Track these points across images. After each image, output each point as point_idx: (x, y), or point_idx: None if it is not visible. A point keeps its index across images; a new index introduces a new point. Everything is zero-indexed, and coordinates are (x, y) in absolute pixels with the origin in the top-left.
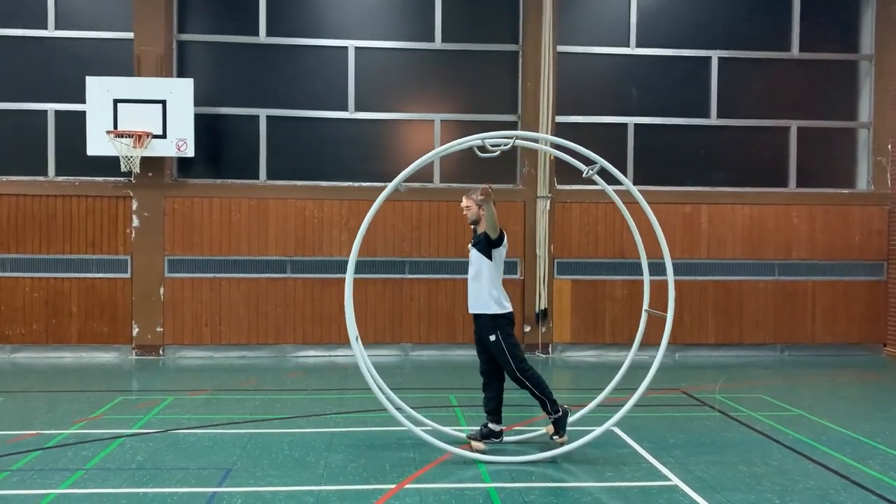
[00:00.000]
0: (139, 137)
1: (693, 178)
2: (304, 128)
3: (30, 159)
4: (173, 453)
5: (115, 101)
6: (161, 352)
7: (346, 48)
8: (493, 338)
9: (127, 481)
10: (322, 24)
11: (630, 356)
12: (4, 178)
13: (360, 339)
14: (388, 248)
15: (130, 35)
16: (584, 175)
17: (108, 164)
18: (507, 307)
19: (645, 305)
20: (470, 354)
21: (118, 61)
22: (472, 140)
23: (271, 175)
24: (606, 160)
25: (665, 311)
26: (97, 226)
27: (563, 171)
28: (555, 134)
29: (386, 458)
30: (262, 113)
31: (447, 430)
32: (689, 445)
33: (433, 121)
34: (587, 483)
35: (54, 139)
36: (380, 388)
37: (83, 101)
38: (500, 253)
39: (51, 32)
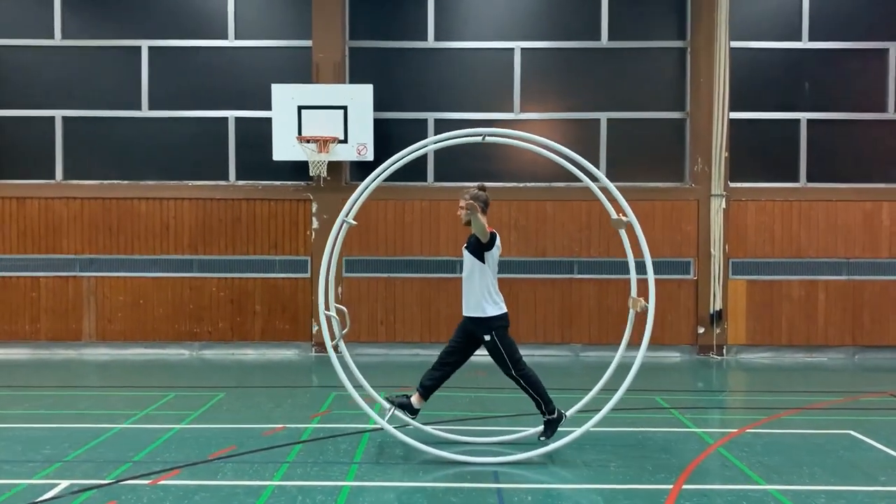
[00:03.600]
0: (324, 143)
1: (872, 175)
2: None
3: (213, 164)
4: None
5: (300, 108)
6: (339, 349)
7: (511, 49)
8: (487, 338)
9: (406, 475)
10: (488, 27)
11: (618, 356)
12: (191, 182)
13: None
14: (557, 248)
15: (308, 43)
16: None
17: (287, 169)
18: (502, 307)
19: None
20: (644, 356)
21: (294, 69)
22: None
23: (439, 178)
24: (778, 157)
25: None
26: (279, 228)
27: (736, 169)
28: (729, 131)
29: (638, 458)
30: (430, 116)
31: (428, 428)
32: None
33: (599, 119)
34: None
35: (234, 145)
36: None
37: (259, 107)
38: (493, 255)
39: (231, 42)
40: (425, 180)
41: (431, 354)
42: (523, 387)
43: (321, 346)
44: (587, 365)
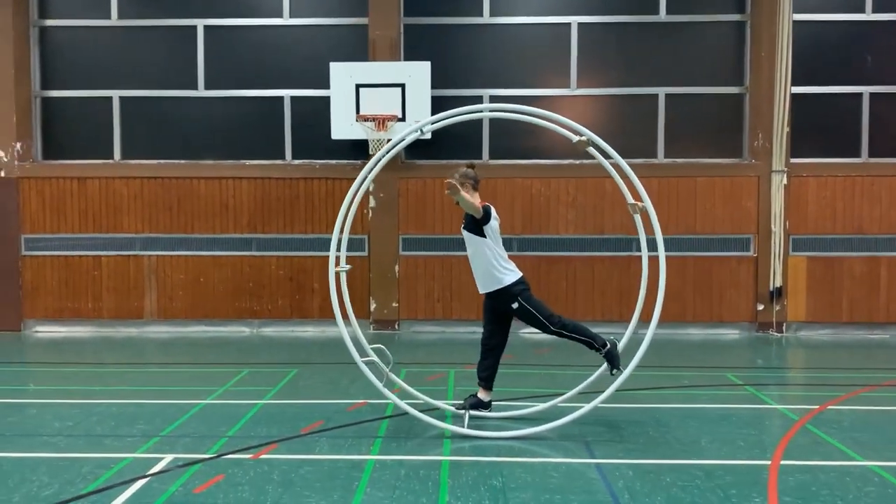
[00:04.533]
0: (382, 121)
1: None
2: (525, 106)
3: (269, 144)
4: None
5: (358, 86)
6: (396, 326)
7: (568, 24)
8: (515, 305)
9: (506, 451)
10: (544, 2)
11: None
12: (248, 162)
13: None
14: (615, 226)
15: (364, 20)
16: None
17: (343, 147)
18: (517, 272)
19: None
20: (703, 333)
21: (349, 47)
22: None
23: (494, 155)
24: (840, 131)
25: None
26: (336, 206)
27: (797, 144)
28: (791, 105)
29: (726, 434)
30: (486, 93)
31: (440, 403)
32: None
33: (657, 94)
34: None
35: (290, 124)
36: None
37: (314, 86)
38: (492, 227)
39: (286, 21)
40: (481, 157)
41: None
42: (567, 336)
43: (379, 322)
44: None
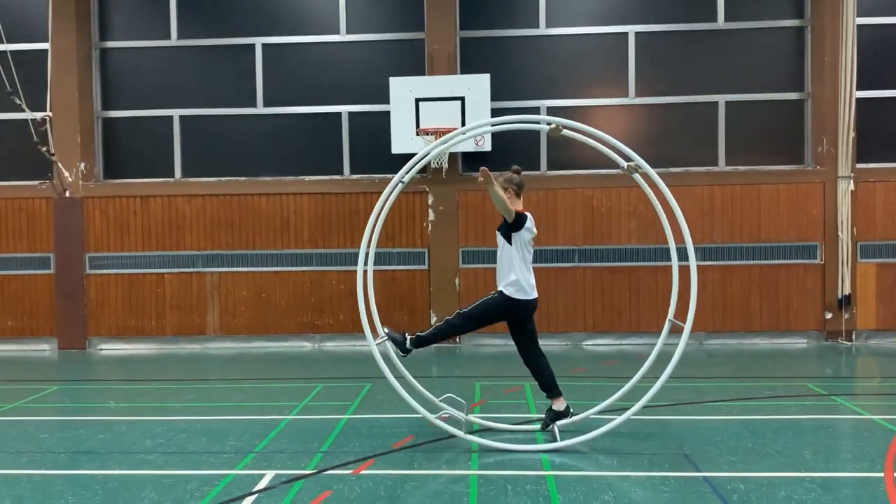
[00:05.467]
0: (441, 134)
1: None
2: (582, 116)
3: (328, 159)
4: (673, 440)
5: (417, 100)
6: (458, 339)
7: (625, 33)
8: (494, 294)
9: (607, 465)
10: (600, 11)
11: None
12: (308, 177)
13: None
14: (678, 235)
15: (420, 35)
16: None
17: (400, 161)
18: (528, 295)
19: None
20: (770, 342)
21: (405, 61)
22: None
23: (552, 166)
24: None
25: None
26: (396, 220)
27: (864, 150)
28: (856, 109)
29: (828, 445)
30: (543, 104)
31: (474, 419)
32: None
33: (717, 102)
34: None
35: (348, 139)
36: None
37: (371, 101)
38: (521, 237)
39: (342, 37)
40: (539, 169)
41: (550, 345)
42: (444, 321)
43: None
44: (710, 353)
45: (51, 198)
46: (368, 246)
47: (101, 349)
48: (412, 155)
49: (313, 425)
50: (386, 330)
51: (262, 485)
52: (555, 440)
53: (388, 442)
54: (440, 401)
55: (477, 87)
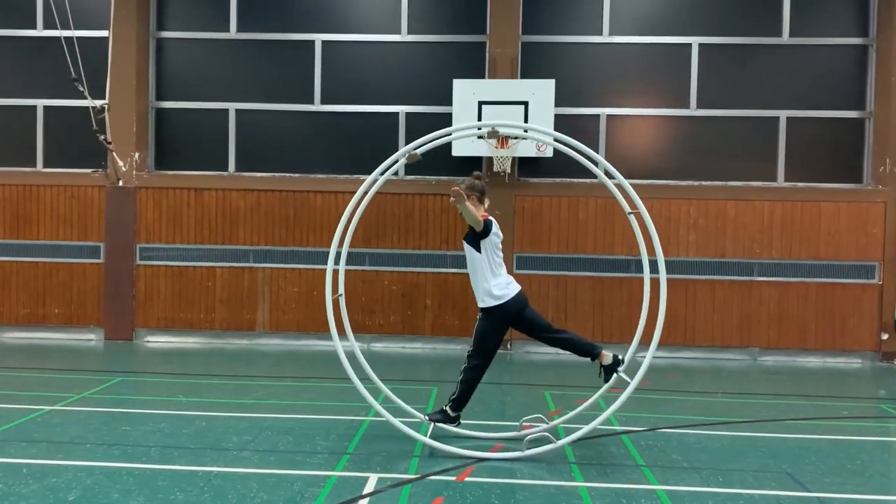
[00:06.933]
0: (504, 139)
1: None
2: (642, 125)
3: (383, 159)
4: (731, 457)
5: (480, 103)
6: (509, 346)
7: (689, 45)
8: (479, 316)
9: (715, 480)
10: (664, 21)
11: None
12: (363, 176)
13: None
14: (736, 249)
15: (482, 38)
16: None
17: (456, 164)
18: (504, 297)
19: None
20: (822, 361)
21: (466, 64)
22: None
23: (610, 175)
24: None
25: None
26: (451, 223)
27: None
28: None
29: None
30: (603, 112)
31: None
32: None
33: (778, 117)
34: None
35: (405, 140)
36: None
37: (429, 102)
38: (491, 241)
39: (403, 37)
40: (595, 176)
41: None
42: (462, 371)
43: None
44: (765, 369)
45: (103, 187)
46: (340, 245)
47: (148, 341)
48: (473, 158)
49: (395, 428)
50: (428, 417)
51: (368, 488)
52: (623, 383)
53: (479, 447)
54: (523, 422)
55: (541, 91)
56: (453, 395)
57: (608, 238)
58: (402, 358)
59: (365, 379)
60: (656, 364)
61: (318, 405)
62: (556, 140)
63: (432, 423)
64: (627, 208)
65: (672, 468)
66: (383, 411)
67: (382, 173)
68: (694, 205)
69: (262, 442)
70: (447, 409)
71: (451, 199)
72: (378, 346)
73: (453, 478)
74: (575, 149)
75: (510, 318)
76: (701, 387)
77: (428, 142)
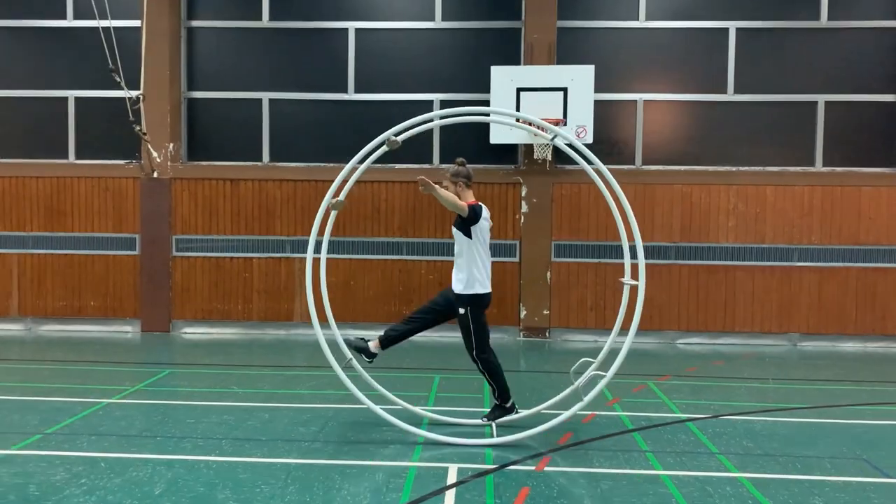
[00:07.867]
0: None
1: None
2: (680, 111)
3: (418, 148)
4: (792, 442)
5: (518, 90)
6: (547, 334)
7: (726, 29)
8: (462, 311)
9: (792, 468)
10: (700, 6)
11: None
12: (398, 166)
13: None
14: (776, 235)
15: (518, 24)
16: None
17: (493, 152)
18: (486, 287)
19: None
20: (861, 346)
21: (501, 51)
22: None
23: (647, 160)
24: None
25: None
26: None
27: None
28: None
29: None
30: (640, 98)
31: (417, 409)
32: None
33: (816, 101)
34: None
35: (439, 127)
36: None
37: (464, 89)
38: (480, 228)
39: (437, 24)
40: (634, 164)
41: (643, 342)
42: (482, 371)
43: (529, 330)
44: (806, 355)
45: (137, 178)
46: (321, 234)
47: (185, 332)
48: (510, 146)
49: (460, 417)
50: (486, 419)
51: (451, 478)
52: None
53: (546, 437)
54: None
55: (580, 77)
56: (493, 391)
57: (647, 224)
58: (445, 347)
59: (414, 368)
60: (699, 351)
61: (374, 395)
62: (518, 120)
63: (493, 424)
64: (607, 194)
65: (748, 455)
66: (431, 415)
67: (361, 161)
68: (733, 190)
69: (331, 432)
70: (498, 403)
71: (420, 188)
72: (416, 336)
73: (532, 467)
74: (535, 125)
75: (487, 305)
76: (749, 373)
77: (409, 127)
